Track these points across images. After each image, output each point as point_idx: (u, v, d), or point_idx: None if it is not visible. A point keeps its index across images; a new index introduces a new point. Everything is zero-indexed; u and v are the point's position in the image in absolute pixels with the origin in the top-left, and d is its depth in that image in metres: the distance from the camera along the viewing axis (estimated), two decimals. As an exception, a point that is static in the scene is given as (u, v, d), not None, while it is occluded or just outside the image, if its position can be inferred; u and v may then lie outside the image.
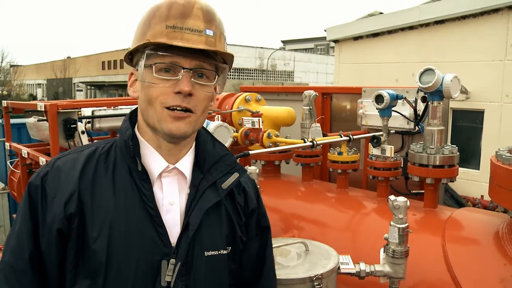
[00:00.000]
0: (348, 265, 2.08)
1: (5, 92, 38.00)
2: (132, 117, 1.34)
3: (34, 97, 40.57)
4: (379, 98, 2.82)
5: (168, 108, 1.21)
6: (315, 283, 1.89)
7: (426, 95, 2.62)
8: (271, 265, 1.54)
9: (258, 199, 1.49)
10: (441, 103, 2.58)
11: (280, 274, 1.90)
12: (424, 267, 2.25)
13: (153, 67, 1.20)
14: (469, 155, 8.13)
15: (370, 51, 10.55)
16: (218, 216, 1.33)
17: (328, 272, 1.94)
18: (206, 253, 1.28)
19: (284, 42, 56.01)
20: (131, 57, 1.29)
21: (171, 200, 1.28)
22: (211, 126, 2.26)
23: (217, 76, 1.28)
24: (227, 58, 1.30)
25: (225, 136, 2.32)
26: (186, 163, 1.32)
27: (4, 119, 5.17)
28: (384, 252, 2.11)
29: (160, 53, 1.19)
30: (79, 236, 1.19)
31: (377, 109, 2.87)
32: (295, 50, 46.42)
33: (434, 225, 2.52)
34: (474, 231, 2.40)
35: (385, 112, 2.87)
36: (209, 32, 1.22)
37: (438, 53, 8.87)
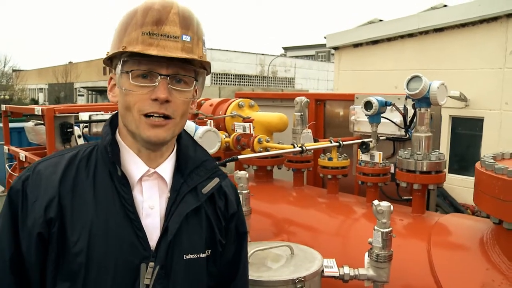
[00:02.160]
0: (332, 269, 2.11)
1: (7, 97, 38.22)
2: (113, 122, 1.35)
3: (35, 102, 40.75)
4: (368, 105, 2.85)
5: (145, 115, 1.22)
6: (298, 286, 1.91)
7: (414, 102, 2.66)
8: (245, 270, 1.56)
9: (238, 204, 1.51)
10: (428, 109, 2.62)
11: (263, 276, 1.94)
12: (408, 272, 2.27)
13: (130, 74, 1.21)
14: (469, 163, 8.15)
15: (369, 58, 10.62)
16: (198, 220, 1.35)
17: (311, 275, 1.96)
18: (185, 257, 1.30)
19: (285, 48, 56.20)
20: (111, 60, 1.30)
21: (151, 204, 1.29)
22: (200, 131, 2.30)
23: (195, 81, 1.28)
24: (205, 63, 1.30)
25: (213, 141, 2.35)
26: (166, 168, 1.34)
27: (2, 122, 5.24)
28: (368, 256, 2.14)
29: (136, 59, 1.20)
30: (59, 240, 1.20)
31: (366, 115, 2.91)
32: (296, 56, 46.59)
33: (420, 230, 2.55)
34: (460, 236, 2.43)
35: (374, 119, 2.91)
36: (186, 38, 1.22)
37: (437, 60, 8.93)
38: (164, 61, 1.20)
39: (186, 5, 1.26)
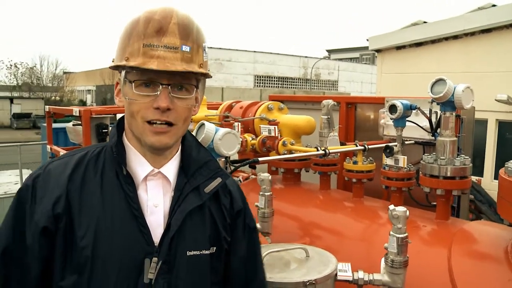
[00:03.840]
0: (346, 273, 2.10)
1: (57, 98, 39.99)
2: (120, 124, 1.42)
3: (84, 103, 42.34)
4: (392, 108, 2.82)
5: (149, 122, 1.28)
6: (309, 288, 1.92)
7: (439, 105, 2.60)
8: (261, 264, 1.59)
9: (244, 201, 1.54)
10: (453, 113, 2.56)
11: (275, 277, 1.96)
12: (427, 279, 2.23)
13: (133, 83, 1.27)
14: (518, 169, 7.78)
15: (412, 61, 10.40)
16: (202, 218, 1.39)
17: (322, 278, 1.96)
18: (188, 253, 1.35)
19: (329, 51, 55.83)
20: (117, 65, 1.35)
21: (155, 202, 1.35)
22: (220, 133, 2.34)
23: (195, 88, 1.33)
24: (205, 70, 1.35)
25: (233, 143, 2.38)
26: (170, 168, 1.39)
27: (46, 123, 5.51)
28: (384, 261, 2.11)
29: (139, 70, 1.25)
30: (67, 234, 1.27)
31: (390, 119, 2.87)
32: (340, 59, 46.12)
33: (442, 237, 2.48)
34: (483, 244, 2.36)
35: (399, 122, 2.87)
36: (186, 48, 1.26)
37: (483, 62, 8.61)
38: (165, 71, 1.25)
39: (186, 12, 1.31)
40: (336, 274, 2.07)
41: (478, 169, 8.28)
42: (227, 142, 2.36)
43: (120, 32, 1.33)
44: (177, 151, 1.43)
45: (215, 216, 1.43)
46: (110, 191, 1.31)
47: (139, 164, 1.36)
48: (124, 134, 1.41)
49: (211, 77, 1.41)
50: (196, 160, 1.43)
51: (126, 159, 1.36)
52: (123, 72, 1.31)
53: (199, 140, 2.31)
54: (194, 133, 2.39)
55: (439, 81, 2.50)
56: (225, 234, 1.45)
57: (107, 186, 1.32)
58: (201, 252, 1.37)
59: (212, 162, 1.46)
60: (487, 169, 8.46)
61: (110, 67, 1.37)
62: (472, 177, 7.51)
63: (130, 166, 1.35)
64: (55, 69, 48.63)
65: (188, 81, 1.31)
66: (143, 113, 1.27)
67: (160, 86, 1.26)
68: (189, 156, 1.43)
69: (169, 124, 1.29)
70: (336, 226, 2.93)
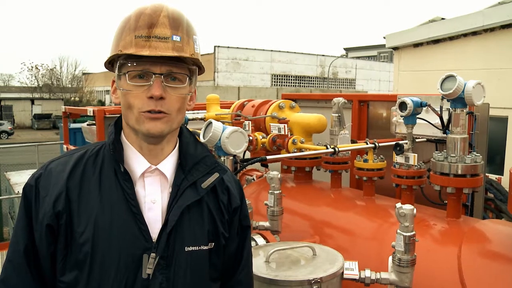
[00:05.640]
0: (352, 271, 2.08)
1: (77, 99, 40.56)
2: (118, 122, 1.44)
3: (102, 103, 42.91)
4: (402, 106, 2.78)
5: (143, 112, 1.30)
6: (314, 287, 1.91)
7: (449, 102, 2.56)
8: (247, 263, 1.59)
9: (242, 198, 1.55)
10: (464, 110, 2.52)
11: (280, 275, 1.95)
12: (436, 278, 2.20)
13: (127, 75, 1.30)
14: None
15: (430, 58, 10.27)
16: (200, 213, 1.41)
17: (328, 277, 1.95)
18: (186, 248, 1.36)
19: (347, 49, 55.43)
20: (112, 64, 1.39)
21: (153, 198, 1.37)
22: (227, 131, 2.34)
23: (188, 78, 1.35)
24: (197, 61, 1.38)
25: (240, 141, 2.38)
26: (168, 164, 1.41)
27: (62, 123, 5.61)
28: (392, 260, 2.09)
29: (132, 61, 1.29)
30: (67, 231, 1.30)
31: (401, 116, 2.84)
32: (358, 57, 45.74)
33: (453, 235, 2.45)
34: (495, 244, 2.32)
35: (409, 120, 2.83)
36: (176, 38, 1.30)
37: (503, 59, 8.44)
38: (157, 61, 1.29)
39: (176, 7, 1.35)
40: (342, 273, 2.05)
41: (499, 168, 8.15)
42: (234, 140, 2.36)
43: (113, 31, 1.36)
44: (174, 148, 1.45)
45: (213, 212, 1.44)
46: (108, 188, 1.34)
47: (136, 161, 1.38)
48: (122, 132, 1.43)
49: (204, 70, 1.43)
50: (193, 156, 1.45)
51: (124, 157, 1.38)
52: (116, 68, 1.34)
53: (207, 139, 2.34)
54: (202, 132, 2.40)
55: (449, 77, 2.47)
56: (223, 230, 1.46)
57: (106, 183, 1.35)
58: (199, 248, 1.39)
59: (209, 157, 1.47)
60: (508, 168, 8.30)
61: (105, 66, 1.41)
62: (492, 175, 7.35)
63: (127, 163, 1.38)
64: (75, 70, 49.47)
65: (180, 70, 1.33)
66: (138, 104, 1.30)
67: (153, 76, 1.29)
68: (186, 152, 1.45)
69: (163, 113, 1.32)
70: (347, 224, 2.91)
